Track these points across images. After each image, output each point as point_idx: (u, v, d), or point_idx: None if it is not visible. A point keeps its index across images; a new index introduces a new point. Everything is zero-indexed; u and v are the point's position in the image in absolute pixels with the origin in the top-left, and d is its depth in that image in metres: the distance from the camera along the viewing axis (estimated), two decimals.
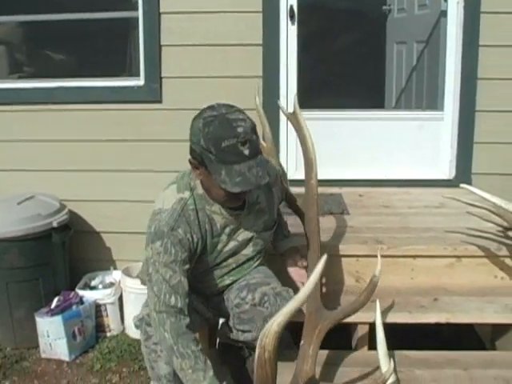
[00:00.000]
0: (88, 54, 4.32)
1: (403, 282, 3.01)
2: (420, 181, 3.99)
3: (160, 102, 4.01)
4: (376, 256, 2.93)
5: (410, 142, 4.08)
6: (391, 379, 2.13)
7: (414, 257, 3.01)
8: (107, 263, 4.20)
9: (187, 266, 2.23)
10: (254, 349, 2.52)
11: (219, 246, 2.36)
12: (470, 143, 3.99)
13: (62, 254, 3.89)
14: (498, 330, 2.92)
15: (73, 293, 3.84)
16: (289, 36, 3.91)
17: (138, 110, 4.04)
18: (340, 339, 2.77)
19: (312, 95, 4.46)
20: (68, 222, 3.90)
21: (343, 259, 3.01)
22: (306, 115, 3.98)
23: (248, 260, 2.50)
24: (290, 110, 3.92)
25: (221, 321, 2.68)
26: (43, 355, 3.70)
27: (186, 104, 3.95)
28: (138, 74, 4.01)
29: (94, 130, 4.10)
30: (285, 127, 4.00)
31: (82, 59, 4.39)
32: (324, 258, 1.85)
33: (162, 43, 3.94)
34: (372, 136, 4.10)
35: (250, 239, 2.44)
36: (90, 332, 3.80)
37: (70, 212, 4.00)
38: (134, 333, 3.83)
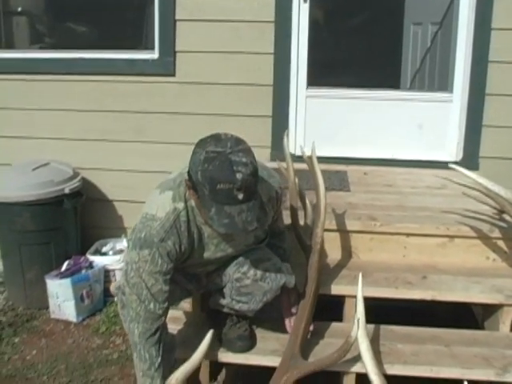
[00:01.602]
0: (107, 27, 4.43)
1: (395, 259, 3.08)
2: (427, 162, 4.02)
3: (173, 75, 4.10)
4: (370, 232, 3.06)
5: (419, 122, 4.10)
6: (363, 346, 2.23)
7: (407, 235, 3.07)
8: (118, 231, 4.34)
9: (170, 275, 2.29)
10: (243, 317, 2.65)
11: (206, 254, 2.42)
12: (479, 126, 4.00)
13: (74, 219, 4.03)
14: (488, 310, 2.96)
15: (83, 257, 3.98)
16: (301, 14, 3.95)
17: (152, 83, 4.13)
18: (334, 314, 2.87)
19: (325, 73, 4.51)
20: (80, 190, 4.03)
21: (338, 234, 3.08)
22: (317, 93, 4.08)
23: (231, 260, 2.54)
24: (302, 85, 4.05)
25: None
26: (52, 316, 3.86)
27: (198, 78, 4.07)
28: (152, 48, 4.10)
29: (109, 101, 4.21)
30: (294, 106, 4.07)
31: (101, 31, 4.51)
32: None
33: (176, 18, 4.02)
34: (381, 116, 4.12)
35: (238, 250, 2.48)
36: (98, 296, 3.95)
37: (84, 180, 4.14)
38: None
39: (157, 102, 4.14)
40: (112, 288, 2.52)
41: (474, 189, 3.05)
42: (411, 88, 4.90)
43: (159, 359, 2.29)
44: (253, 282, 2.47)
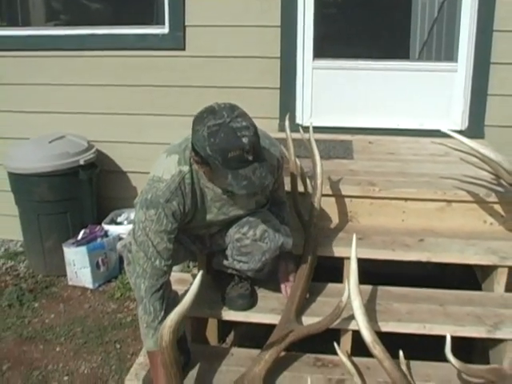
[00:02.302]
0: (119, 3, 4.53)
1: (394, 223, 3.18)
2: (432, 131, 4.05)
3: (183, 49, 4.20)
4: (369, 197, 3.15)
5: (424, 92, 4.15)
6: (355, 303, 2.33)
7: (406, 199, 3.16)
8: (133, 201, 4.45)
9: (175, 234, 2.42)
10: (245, 278, 2.77)
11: (208, 217, 2.54)
12: (484, 95, 4.04)
13: (89, 190, 4.19)
14: (485, 272, 3.05)
15: (98, 227, 4.14)
16: None
17: (162, 57, 4.24)
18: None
19: (333, 45, 4.57)
20: (95, 161, 4.19)
21: (338, 199, 3.19)
22: (323, 64, 4.15)
23: (233, 221, 2.65)
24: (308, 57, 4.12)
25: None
26: (70, 282, 4.05)
27: (207, 51, 4.17)
28: (163, 23, 4.20)
29: (121, 75, 4.33)
30: (301, 77, 4.15)
31: (114, 8, 4.61)
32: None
33: None
34: (387, 86, 4.18)
35: (241, 215, 2.60)
36: (114, 263, 4.11)
37: (99, 152, 4.30)
38: None
39: (168, 75, 4.25)
40: (118, 246, 2.64)
41: (472, 155, 3.12)
42: (420, 58, 4.95)
43: (162, 313, 2.41)
44: (252, 241, 2.58)
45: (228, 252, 2.70)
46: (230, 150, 2.12)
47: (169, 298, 2.49)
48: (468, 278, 3.25)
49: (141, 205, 2.40)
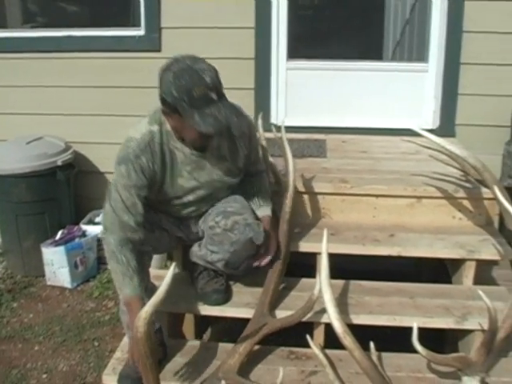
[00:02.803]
0: (96, 5, 4.57)
1: (365, 219, 3.25)
2: (404, 130, 4.10)
3: (159, 51, 4.25)
4: (341, 194, 3.22)
5: (396, 92, 4.24)
6: (326, 295, 2.40)
7: (377, 196, 3.24)
8: None
9: (144, 193, 2.51)
10: (220, 273, 2.82)
11: (180, 181, 2.61)
12: (454, 94, 4.14)
13: (67, 190, 4.22)
14: (454, 265, 3.13)
15: (76, 227, 4.18)
16: None
17: (139, 59, 4.29)
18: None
19: (307, 45, 4.65)
20: (73, 162, 4.23)
21: (311, 196, 3.25)
22: (297, 65, 4.23)
23: (212, 199, 2.74)
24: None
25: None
26: (48, 282, 4.07)
27: (183, 53, 4.17)
28: (139, 25, 4.26)
29: (99, 77, 4.38)
30: (275, 78, 4.23)
31: (91, 10, 4.65)
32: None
33: None
34: (360, 86, 4.27)
35: (211, 182, 2.66)
36: (92, 263, 4.14)
37: (77, 153, 4.34)
38: None
39: (144, 77, 4.25)
40: (100, 234, 2.66)
41: (441, 152, 3.20)
42: (393, 59, 5.04)
43: (135, 262, 2.47)
44: (223, 231, 2.64)
45: (203, 242, 2.76)
46: (195, 87, 2.26)
47: (147, 287, 2.55)
48: (441, 272, 3.32)
49: (114, 163, 2.52)
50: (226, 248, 2.65)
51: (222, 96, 2.33)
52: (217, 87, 2.31)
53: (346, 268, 3.09)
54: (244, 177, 2.81)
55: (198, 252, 2.81)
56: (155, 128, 2.50)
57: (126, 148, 2.48)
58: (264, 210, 2.82)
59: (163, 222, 2.69)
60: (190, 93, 2.26)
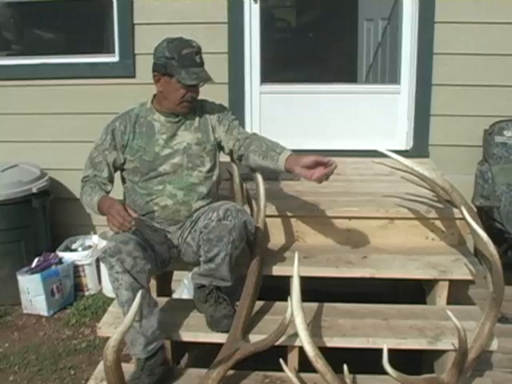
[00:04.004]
0: (71, 33, 4.60)
1: (338, 241, 3.26)
2: (378, 151, 4.18)
3: (134, 77, 4.29)
4: (314, 217, 3.24)
5: (369, 114, 4.28)
6: (298, 318, 2.40)
7: (350, 218, 3.25)
8: (88, 228, 4.51)
9: (112, 155, 2.87)
10: (223, 297, 2.86)
11: (156, 149, 2.86)
12: (427, 115, 4.19)
13: (43, 218, 4.21)
14: (428, 286, 3.15)
15: (52, 254, 4.17)
16: (252, 14, 4.15)
17: (114, 85, 4.31)
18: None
19: (281, 70, 4.69)
20: (48, 189, 4.23)
21: (284, 219, 3.26)
22: (271, 89, 4.27)
23: (184, 169, 2.88)
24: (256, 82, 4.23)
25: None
26: (25, 311, 4.05)
27: None
28: (113, 51, 4.29)
29: (74, 103, 4.39)
30: (249, 102, 4.27)
31: (66, 37, 4.67)
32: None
33: (134, 22, 4.22)
34: (334, 109, 4.31)
35: (184, 150, 2.88)
36: (69, 290, 4.13)
37: (52, 180, 4.34)
38: (109, 292, 4.14)
39: (119, 103, 4.24)
40: (99, 254, 2.73)
41: (412, 174, 3.23)
42: (366, 81, 5.09)
43: (95, 188, 2.84)
44: (217, 222, 2.71)
45: (201, 255, 2.76)
46: (184, 47, 2.74)
47: (149, 305, 2.65)
48: (418, 293, 3.33)
49: None
50: (225, 240, 2.67)
51: (204, 63, 2.81)
52: (201, 54, 2.79)
53: (322, 291, 3.10)
54: (243, 142, 2.92)
55: (199, 271, 2.83)
56: (136, 106, 2.95)
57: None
58: (283, 154, 2.78)
59: (152, 243, 2.79)
60: (180, 52, 2.71)
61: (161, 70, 2.77)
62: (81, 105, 4.37)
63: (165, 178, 2.86)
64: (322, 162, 2.63)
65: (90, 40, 4.53)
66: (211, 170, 2.93)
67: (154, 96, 2.93)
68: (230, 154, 3.00)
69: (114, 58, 4.28)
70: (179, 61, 2.71)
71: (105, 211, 2.68)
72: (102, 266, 4.19)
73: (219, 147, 2.99)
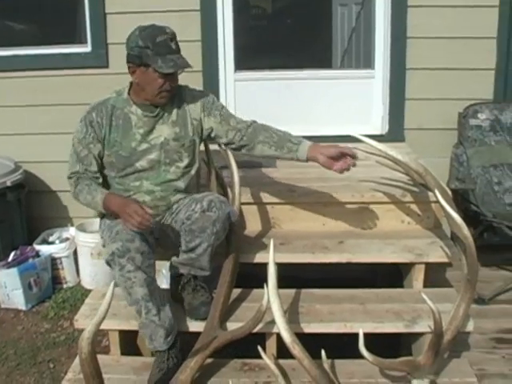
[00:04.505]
0: (43, 24, 4.53)
1: (315, 227, 3.27)
2: (353, 137, 4.19)
3: (107, 67, 4.25)
4: (290, 203, 3.24)
5: (345, 99, 4.28)
6: (274, 305, 2.41)
7: (325, 204, 3.26)
8: (65, 220, 4.49)
9: (97, 148, 2.77)
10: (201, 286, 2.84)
11: (133, 144, 2.79)
12: (402, 100, 4.20)
13: (18, 211, 4.17)
14: (405, 269, 3.17)
15: (29, 247, 4.12)
16: (225, 1, 4.13)
17: (87, 75, 4.27)
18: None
19: (255, 56, 4.67)
20: (23, 182, 4.18)
21: (260, 206, 3.26)
22: (245, 76, 4.25)
23: (162, 165, 2.82)
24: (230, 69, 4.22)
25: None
26: (2, 305, 4.01)
27: None
28: (85, 41, 4.25)
29: (46, 95, 4.34)
30: (224, 89, 4.27)
31: (38, 28, 4.61)
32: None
33: (106, 11, 4.17)
34: (308, 95, 4.30)
35: (161, 145, 2.80)
36: (46, 283, 4.09)
37: (27, 173, 4.28)
38: (88, 284, 4.13)
39: (93, 93, 4.18)
40: (105, 257, 2.61)
41: (387, 158, 3.23)
42: (342, 67, 5.09)
43: (92, 186, 2.74)
44: (201, 213, 2.67)
45: (182, 245, 2.75)
46: (158, 34, 2.62)
47: (161, 296, 2.69)
48: (396, 277, 3.34)
49: None
50: (209, 231, 2.65)
51: (179, 49, 2.71)
52: (176, 40, 2.68)
53: (300, 277, 3.11)
54: (245, 132, 2.88)
55: (179, 260, 2.80)
56: (113, 95, 2.83)
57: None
58: (303, 144, 2.81)
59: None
60: (154, 39, 2.60)
61: (135, 60, 2.66)
62: (54, 96, 4.32)
63: (142, 175, 2.81)
64: (347, 153, 2.73)
65: (62, 30, 4.45)
66: (189, 165, 2.88)
67: (131, 84, 2.81)
68: (226, 144, 2.93)
69: (87, 48, 4.24)
70: (154, 49, 2.60)
71: (116, 210, 2.61)
72: (80, 258, 4.18)
73: (210, 138, 2.94)
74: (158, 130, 2.80)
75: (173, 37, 2.67)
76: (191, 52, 4.07)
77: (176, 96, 2.82)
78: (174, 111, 2.83)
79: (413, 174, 3.01)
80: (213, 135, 2.91)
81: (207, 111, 2.87)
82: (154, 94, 2.69)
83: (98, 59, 4.22)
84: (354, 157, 2.73)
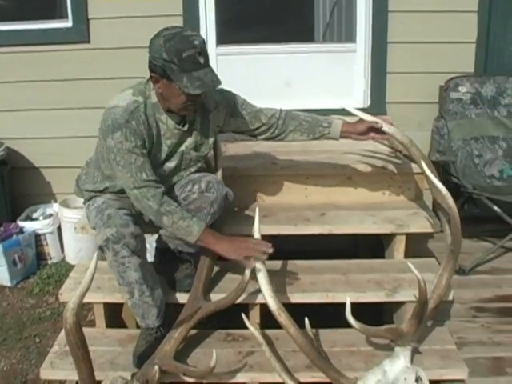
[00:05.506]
0: None
1: (297, 200, 3.29)
2: (336, 110, 4.19)
3: (88, 42, 4.22)
4: (272, 175, 3.26)
5: (327, 73, 4.29)
6: (260, 274, 2.45)
7: (307, 176, 3.28)
8: (48, 197, 4.48)
9: (145, 151, 2.54)
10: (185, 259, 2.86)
11: (158, 154, 2.64)
12: (383, 73, 4.20)
13: (1, 188, 4.18)
14: (386, 240, 3.21)
15: (13, 224, 4.13)
16: None
17: (68, 51, 4.23)
18: None
19: (237, 30, 4.66)
20: (5, 158, 4.18)
21: (243, 179, 3.26)
22: (227, 50, 4.24)
23: (177, 171, 2.75)
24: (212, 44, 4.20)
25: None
26: None
27: (112, 43, 4.20)
28: (66, 16, 4.21)
29: (28, 71, 4.30)
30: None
31: (17, 3, 4.57)
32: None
33: None
34: (290, 68, 4.30)
35: (181, 153, 2.71)
36: (31, 260, 4.11)
37: (9, 150, 4.27)
38: (72, 259, 4.14)
39: (75, 69, 4.25)
40: (100, 243, 2.56)
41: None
42: (324, 40, 5.09)
43: (179, 207, 2.57)
44: (199, 194, 2.67)
45: None
46: (184, 49, 2.36)
47: (152, 276, 2.68)
48: (379, 249, 3.37)
49: (105, 133, 2.51)
50: (205, 211, 2.68)
51: (208, 60, 2.46)
52: (205, 52, 2.43)
53: (284, 250, 3.13)
54: (276, 125, 2.90)
55: (167, 233, 2.77)
56: (140, 99, 2.55)
57: (113, 115, 2.49)
58: (334, 126, 2.88)
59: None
60: (180, 54, 2.36)
61: (159, 71, 2.43)
62: (35, 72, 4.28)
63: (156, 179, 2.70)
64: (374, 127, 2.82)
65: (42, 5, 4.41)
66: (201, 165, 2.86)
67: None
68: (255, 136, 2.95)
69: (68, 24, 4.19)
70: (180, 65, 2.37)
71: (225, 248, 2.55)
72: (64, 234, 4.19)
73: (235, 132, 2.95)
74: (183, 141, 2.70)
75: (201, 50, 2.41)
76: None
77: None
78: (198, 120, 2.71)
79: (397, 145, 3.03)
80: (239, 131, 2.92)
81: (234, 115, 2.84)
82: (178, 108, 2.54)
83: (79, 34, 4.18)
84: (379, 130, 2.84)
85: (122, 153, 2.49)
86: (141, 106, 2.53)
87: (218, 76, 2.48)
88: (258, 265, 2.47)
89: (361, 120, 2.86)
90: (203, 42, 2.43)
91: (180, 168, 2.75)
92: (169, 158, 2.69)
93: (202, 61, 2.41)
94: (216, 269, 2.90)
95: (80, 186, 2.88)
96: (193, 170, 2.79)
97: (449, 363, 2.63)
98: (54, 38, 4.22)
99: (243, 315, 2.55)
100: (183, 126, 2.65)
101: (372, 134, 2.84)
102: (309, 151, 3.45)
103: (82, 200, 2.93)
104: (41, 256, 4.21)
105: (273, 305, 2.44)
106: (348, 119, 2.95)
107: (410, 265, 2.34)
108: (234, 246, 2.52)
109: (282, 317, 2.44)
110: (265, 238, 2.57)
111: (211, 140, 2.81)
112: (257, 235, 2.55)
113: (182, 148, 2.70)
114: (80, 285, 2.08)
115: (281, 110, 2.94)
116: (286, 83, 4.33)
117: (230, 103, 2.83)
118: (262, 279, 2.47)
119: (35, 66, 4.28)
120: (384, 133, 2.83)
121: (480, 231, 4.00)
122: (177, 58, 2.36)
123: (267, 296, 2.45)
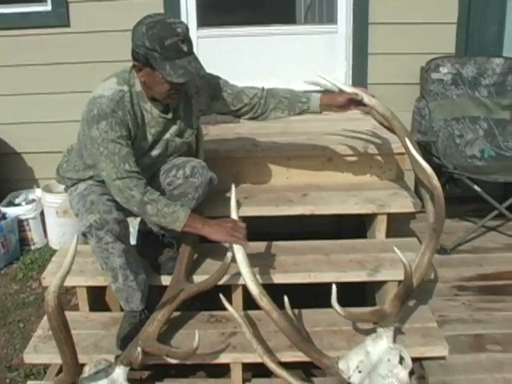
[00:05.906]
0: None
1: (279, 182, 3.31)
2: (318, 92, 4.20)
3: (68, 25, 4.17)
4: (253, 157, 3.26)
5: (309, 54, 4.28)
6: (239, 256, 2.46)
7: (288, 158, 3.29)
8: (30, 182, 4.46)
9: (130, 142, 2.50)
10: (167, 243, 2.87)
11: (143, 143, 2.62)
12: (365, 54, 4.20)
13: None
14: (368, 221, 3.23)
15: None
16: None
17: (48, 35, 4.19)
18: None
19: (217, 12, 4.63)
20: None
21: (224, 161, 3.26)
22: (208, 33, 4.22)
23: (160, 158, 2.73)
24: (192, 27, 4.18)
25: None
26: None
27: (93, 27, 4.16)
28: (45, 0, 4.16)
29: (8, 55, 4.25)
30: None
31: None
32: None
33: None
34: (270, 50, 4.29)
35: (166, 141, 2.68)
36: (14, 245, 4.10)
37: None
38: (55, 244, 4.13)
39: (55, 53, 4.21)
40: (82, 229, 2.53)
41: None
42: (305, 22, 5.07)
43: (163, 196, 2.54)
44: (184, 179, 2.67)
45: None
46: (167, 37, 2.31)
47: (135, 260, 2.68)
48: (361, 229, 3.40)
49: (90, 123, 2.46)
50: (190, 197, 2.68)
51: (191, 48, 2.41)
52: (188, 40, 2.38)
53: (267, 233, 3.14)
54: (258, 105, 2.87)
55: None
56: (125, 88, 2.51)
57: (98, 105, 2.44)
58: (313, 100, 2.88)
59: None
60: (162, 42, 2.32)
61: (141, 59, 2.38)
62: (14, 57, 4.23)
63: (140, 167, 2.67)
64: (355, 99, 2.77)
65: None
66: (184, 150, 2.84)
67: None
68: (237, 116, 2.94)
69: (47, 7, 4.14)
70: (162, 53, 2.33)
71: (212, 229, 2.51)
72: (47, 219, 4.18)
73: (218, 113, 2.93)
74: (168, 129, 2.67)
75: (184, 37, 2.36)
76: (153, 10, 4.05)
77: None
78: (181, 106, 2.68)
79: (380, 118, 3.02)
80: (221, 112, 2.89)
81: (216, 97, 2.79)
82: (162, 97, 2.51)
83: (59, 18, 4.14)
84: (360, 102, 2.79)
85: (106, 142, 2.44)
86: (126, 96, 2.49)
87: (200, 60, 2.45)
88: (237, 248, 2.48)
89: (341, 92, 2.82)
90: (187, 30, 2.39)
91: (165, 155, 2.73)
92: (153, 146, 2.66)
93: (185, 49, 2.36)
94: (198, 251, 2.90)
95: (61, 174, 2.85)
96: (176, 155, 2.79)
97: (430, 341, 2.67)
98: (33, 21, 4.17)
99: (221, 296, 2.56)
100: (167, 114, 2.62)
101: (353, 107, 2.81)
102: (289, 132, 3.46)
103: (64, 189, 2.92)
104: (24, 241, 4.20)
105: (254, 289, 2.45)
106: None
107: (397, 250, 2.36)
108: (222, 228, 2.51)
109: (264, 301, 2.44)
110: (246, 219, 2.58)
111: (195, 125, 2.79)
112: (234, 213, 2.57)
113: (167, 136, 2.68)
114: (61, 267, 2.08)
115: (263, 89, 2.92)
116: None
117: (211, 86, 2.78)
118: (242, 262, 2.48)
119: (15, 51, 4.23)
120: (365, 105, 2.79)
121: (461, 211, 4.02)
122: (159, 46, 2.32)
123: (248, 280, 2.46)
